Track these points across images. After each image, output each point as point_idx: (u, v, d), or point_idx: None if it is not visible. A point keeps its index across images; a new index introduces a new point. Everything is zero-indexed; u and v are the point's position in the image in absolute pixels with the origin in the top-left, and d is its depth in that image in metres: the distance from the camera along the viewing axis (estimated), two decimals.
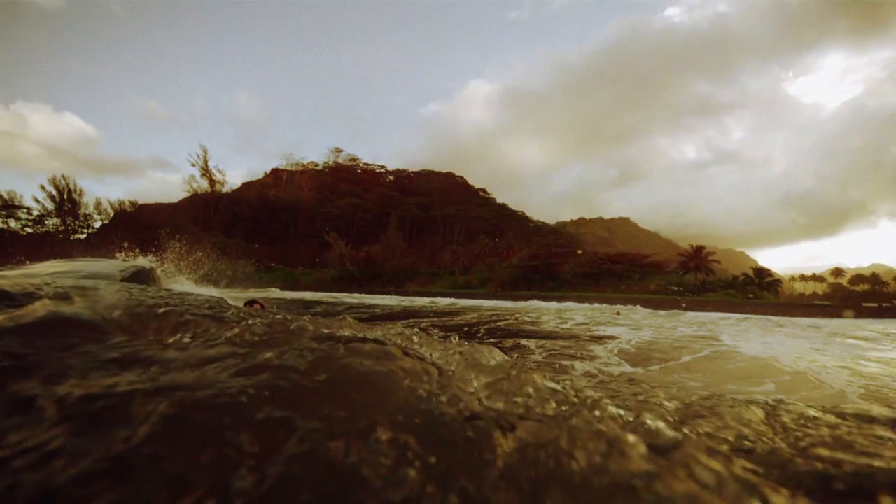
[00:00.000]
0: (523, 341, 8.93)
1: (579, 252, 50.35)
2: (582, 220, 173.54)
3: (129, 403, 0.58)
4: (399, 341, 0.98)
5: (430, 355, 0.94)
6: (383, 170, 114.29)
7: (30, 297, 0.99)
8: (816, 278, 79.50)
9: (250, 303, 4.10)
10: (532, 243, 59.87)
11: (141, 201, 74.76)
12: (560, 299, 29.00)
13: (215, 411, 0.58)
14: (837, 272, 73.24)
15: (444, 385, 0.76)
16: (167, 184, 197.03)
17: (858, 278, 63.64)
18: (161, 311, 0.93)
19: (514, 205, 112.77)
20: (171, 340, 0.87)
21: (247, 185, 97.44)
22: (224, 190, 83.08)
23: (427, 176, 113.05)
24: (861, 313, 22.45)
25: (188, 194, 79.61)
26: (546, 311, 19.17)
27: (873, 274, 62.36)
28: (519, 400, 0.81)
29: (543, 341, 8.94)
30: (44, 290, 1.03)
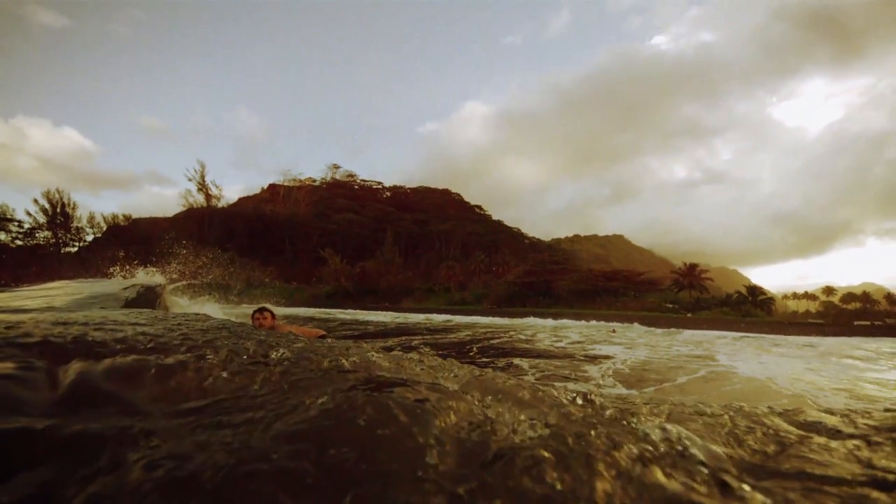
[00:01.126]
0: (516, 360, 8.81)
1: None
2: (577, 237, 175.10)
3: (205, 465, 0.61)
4: (427, 376, 1.00)
5: (453, 378, 0.98)
6: (380, 186, 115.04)
7: (74, 343, 1.00)
8: (809, 296, 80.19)
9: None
10: (528, 260, 59.94)
11: (136, 216, 74.44)
12: (556, 316, 28.89)
13: (281, 474, 0.61)
14: (829, 290, 74.07)
15: (483, 418, 0.79)
16: (164, 198, 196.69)
17: (850, 297, 64.25)
18: (199, 353, 0.95)
19: (510, 221, 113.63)
20: (216, 383, 0.88)
21: (243, 200, 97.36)
22: (220, 205, 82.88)
23: (423, 192, 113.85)
24: (854, 332, 22.67)
25: (184, 209, 79.30)
26: (541, 329, 19.05)
27: (864, 292, 63.04)
28: (551, 423, 0.84)
29: (537, 360, 8.83)
30: (85, 331, 1.05)
